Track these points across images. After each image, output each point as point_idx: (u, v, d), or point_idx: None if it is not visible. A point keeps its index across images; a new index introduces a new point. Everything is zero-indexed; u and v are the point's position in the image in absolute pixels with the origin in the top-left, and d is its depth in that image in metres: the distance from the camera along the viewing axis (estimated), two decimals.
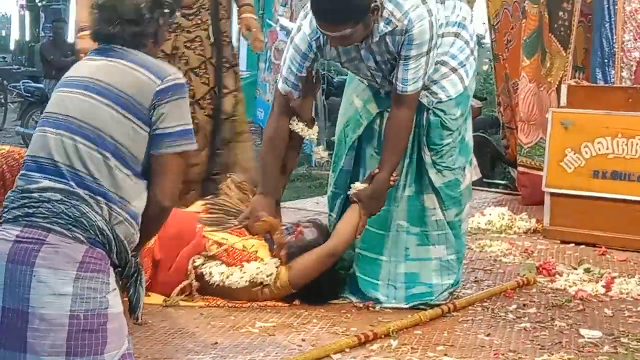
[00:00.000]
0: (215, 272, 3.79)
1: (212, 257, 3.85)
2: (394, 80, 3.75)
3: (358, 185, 3.88)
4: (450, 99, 3.87)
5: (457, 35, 3.90)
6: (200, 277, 3.82)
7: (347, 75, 4.10)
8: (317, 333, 3.53)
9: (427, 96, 3.84)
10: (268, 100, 11.20)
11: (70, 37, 12.70)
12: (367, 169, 3.99)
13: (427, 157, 3.90)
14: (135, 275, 2.85)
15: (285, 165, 4.02)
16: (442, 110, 3.86)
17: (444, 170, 3.91)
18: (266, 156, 3.97)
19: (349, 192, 3.93)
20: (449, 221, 3.96)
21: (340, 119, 4.14)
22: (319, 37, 3.70)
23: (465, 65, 3.91)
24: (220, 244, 3.86)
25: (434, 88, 3.85)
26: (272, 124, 3.94)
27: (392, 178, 3.83)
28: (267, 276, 3.81)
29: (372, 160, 3.99)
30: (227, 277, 3.79)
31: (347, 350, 3.33)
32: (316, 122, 4.00)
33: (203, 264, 3.83)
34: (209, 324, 3.58)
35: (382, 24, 3.62)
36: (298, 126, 3.90)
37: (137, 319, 2.88)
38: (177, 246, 3.84)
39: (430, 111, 3.87)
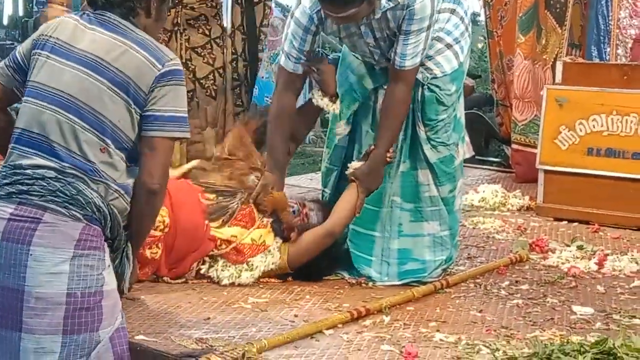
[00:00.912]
0: (224, 277, 3.76)
1: (217, 257, 3.80)
2: (392, 55, 3.73)
3: (354, 164, 3.88)
4: (445, 75, 3.85)
5: (452, 11, 3.88)
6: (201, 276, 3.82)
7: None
8: (310, 309, 3.54)
9: (422, 72, 3.82)
10: (262, 77, 11.15)
11: None
12: (362, 146, 3.99)
13: (422, 133, 3.89)
14: (123, 247, 2.85)
15: (293, 140, 4.00)
16: (437, 86, 3.85)
17: (438, 145, 3.91)
18: (273, 134, 3.93)
19: (345, 172, 3.92)
20: (443, 197, 3.96)
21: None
22: (319, 9, 3.67)
23: (460, 41, 3.89)
24: (229, 242, 3.80)
25: (429, 64, 3.84)
26: (276, 101, 3.92)
27: (388, 154, 3.83)
28: (273, 264, 3.81)
29: (368, 136, 3.99)
30: (237, 278, 3.76)
31: (340, 325, 3.33)
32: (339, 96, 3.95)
33: (209, 269, 3.79)
34: (202, 299, 3.58)
35: (384, 0, 3.59)
36: (323, 101, 3.87)
37: (122, 292, 2.88)
38: (186, 246, 3.76)
39: (426, 87, 3.86)
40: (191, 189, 3.83)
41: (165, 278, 3.76)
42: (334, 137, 4.10)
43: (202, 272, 3.79)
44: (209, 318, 3.35)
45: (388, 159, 3.84)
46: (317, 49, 3.86)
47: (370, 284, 3.94)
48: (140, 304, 3.45)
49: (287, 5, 11.08)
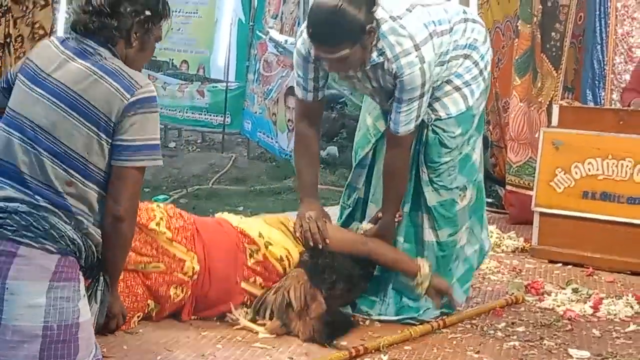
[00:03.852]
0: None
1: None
2: (387, 120, 3.75)
3: (364, 226, 3.93)
4: (450, 117, 3.84)
5: (466, 56, 3.85)
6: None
7: (332, 89, 4.10)
8: (307, 346, 3.53)
9: (427, 113, 3.82)
10: (256, 112, 11.20)
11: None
12: (375, 187, 4.00)
13: (424, 175, 3.88)
14: (96, 281, 2.85)
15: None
16: (441, 128, 3.84)
17: (440, 189, 3.89)
18: (299, 163, 3.98)
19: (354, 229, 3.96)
20: (441, 241, 3.95)
21: (356, 134, 4.16)
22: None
23: (470, 85, 3.87)
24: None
25: (435, 105, 3.83)
26: (297, 131, 3.95)
27: (397, 218, 3.88)
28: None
29: (378, 175, 3.99)
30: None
31: None
32: None
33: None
34: (200, 334, 3.56)
35: (375, 54, 3.60)
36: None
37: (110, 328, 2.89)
38: (217, 298, 3.72)
39: (430, 128, 3.85)
40: (228, 237, 3.75)
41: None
42: (350, 177, 4.14)
43: (230, 317, 3.73)
44: (207, 354, 3.35)
45: (397, 222, 3.89)
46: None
47: (367, 321, 3.93)
48: (139, 338, 3.43)
49: (282, 41, 11.16)
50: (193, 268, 3.59)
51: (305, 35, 3.66)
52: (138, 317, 3.51)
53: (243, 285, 3.73)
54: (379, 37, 3.57)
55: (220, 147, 11.25)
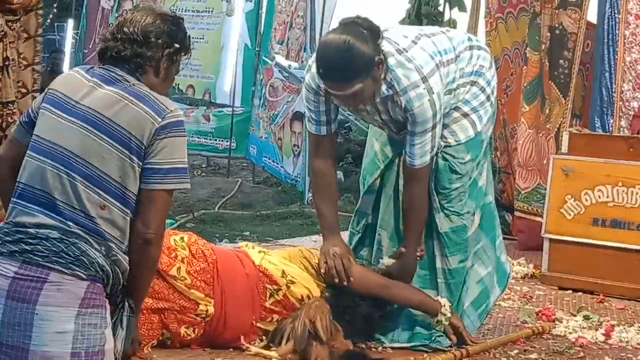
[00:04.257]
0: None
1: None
2: (403, 152, 3.76)
3: (386, 261, 3.90)
4: (460, 144, 3.86)
5: (473, 83, 3.87)
6: None
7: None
8: None
9: None
10: (261, 137, 11.24)
11: (66, 68, 12.66)
12: (385, 213, 3.99)
13: (435, 202, 3.88)
14: (121, 307, 2.85)
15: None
16: (450, 155, 3.85)
17: (451, 215, 3.90)
18: (319, 199, 3.95)
19: (377, 267, 3.93)
20: (452, 268, 3.94)
21: (364, 160, 4.16)
22: None
23: (478, 110, 3.89)
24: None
25: (445, 132, 3.83)
26: (313, 166, 3.94)
27: (418, 253, 3.87)
28: None
29: (387, 201, 3.99)
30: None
31: None
32: None
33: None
34: None
35: (384, 87, 3.60)
36: None
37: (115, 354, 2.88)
38: (230, 338, 3.69)
39: (440, 155, 3.86)
40: (248, 279, 3.70)
41: None
42: (358, 202, 4.13)
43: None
44: None
45: (419, 257, 3.88)
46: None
47: (380, 348, 3.92)
48: None
49: (289, 66, 11.21)
50: (207, 311, 3.57)
51: (314, 69, 3.66)
52: (152, 344, 3.50)
53: (259, 324, 3.72)
54: (387, 70, 3.58)
55: (225, 172, 11.27)
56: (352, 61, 3.45)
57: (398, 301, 3.88)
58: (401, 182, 3.93)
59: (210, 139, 11.42)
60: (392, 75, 3.59)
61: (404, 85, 3.59)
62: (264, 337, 3.72)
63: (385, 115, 3.75)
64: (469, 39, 4.00)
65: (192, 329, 3.58)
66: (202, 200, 9.28)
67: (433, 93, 3.60)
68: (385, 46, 3.57)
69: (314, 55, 3.68)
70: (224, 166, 11.50)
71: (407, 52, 3.63)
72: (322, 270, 3.79)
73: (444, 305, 3.83)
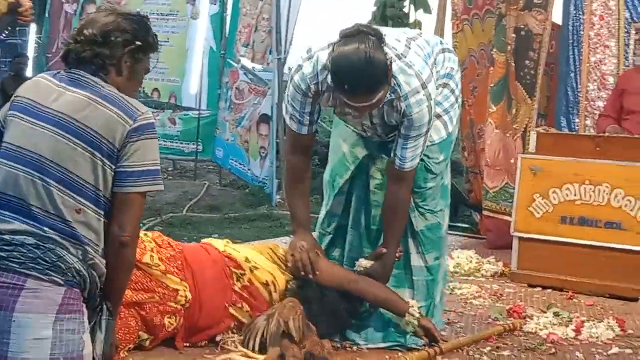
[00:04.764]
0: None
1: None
2: (392, 155, 3.77)
3: (363, 262, 3.92)
4: (434, 144, 3.90)
5: (444, 85, 3.92)
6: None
7: None
8: None
9: None
10: (228, 140, 11.22)
11: (30, 72, 12.54)
12: (357, 212, 4.02)
13: (411, 201, 3.92)
14: (99, 310, 2.85)
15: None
16: (425, 155, 3.88)
17: (426, 213, 3.96)
18: (291, 195, 3.98)
19: (354, 269, 3.94)
20: (429, 265, 3.99)
21: (329, 162, 4.16)
22: (317, 82, 3.67)
23: (449, 112, 3.95)
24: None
25: None
26: (288, 163, 3.97)
27: (397, 254, 3.90)
28: None
29: (358, 202, 4.02)
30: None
31: None
32: None
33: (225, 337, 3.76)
34: None
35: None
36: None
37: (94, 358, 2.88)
38: (207, 324, 3.73)
39: None
40: (215, 264, 3.77)
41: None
42: (327, 204, 4.13)
43: (217, 339, 3.74)
44: None
45: (397, 258, 3.91)
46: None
47: (355, 347, 3.95)
48: None
49: (253, 68, 11.21)
50: (186, 297, 3.61)
51: (306, 70, 3.67)
52: (128, 349, 3.51)
53: (231, 310, 3.75)
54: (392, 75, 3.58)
55: (192, 175, 11.24)
56: (375, 72, 3.43)
57: (365, 296, 3.91)
58: (372, 182, 3.97)
59: (177, 142, 11.38)
60: (395, 80, 3.59)
61: (406, 92, 3.61)
62: (235, 333, 3.74)
63: (377, 119, 3.77)
64: (441, 42, 4.06)
65: (174, 317, 3.60)
66: (170, 203, 9.25)
67: (431, 99, 3.64)
68: (387, 51, 3.56)
69: (307, 54, 3.68)
70: (190, 169, 11.48)
71: (405, 57, 3.65)
72: (289, 263, 3.83)
73: (412, 306, 3.87)
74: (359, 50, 3.41)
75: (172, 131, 11.37)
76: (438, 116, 3.90)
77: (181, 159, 11.68)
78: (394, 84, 3.60)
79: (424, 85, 3.62)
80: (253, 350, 3.59)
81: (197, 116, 11.33)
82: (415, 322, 3.85)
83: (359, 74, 3.42)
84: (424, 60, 3.70)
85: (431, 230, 3.97)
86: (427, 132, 3.70)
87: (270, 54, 10.10)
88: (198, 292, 3.66)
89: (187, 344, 3.72)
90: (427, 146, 3.88)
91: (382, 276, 3.90)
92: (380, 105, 3.61)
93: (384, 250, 3.87)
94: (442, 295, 4.20)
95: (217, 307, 3.72)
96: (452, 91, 3.97)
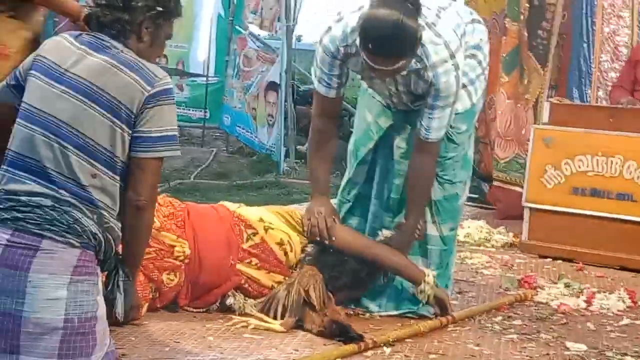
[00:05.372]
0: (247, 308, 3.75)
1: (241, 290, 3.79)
2: (417, 126, 3.75)
3: (386, 233, 3.93)
4: (457, 114, 3.86)
5: (472, 56, 3.90)
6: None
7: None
8: (311, 338, 3.55)
9: None
10: (235, 107, 11.20)
11: None
12: (379, 184, 4.03)
13: None
14: (115, 272, 2.88)
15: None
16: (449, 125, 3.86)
17: (445, 183, 3.94)
18: (314, 158, 3.96)
19: (377, 239, 3.95)
20: (444, 235, 4.00)
21: (354, 132, 4.16)
22: (347, 45, 3.65)
23: (475, 83, 3.93)
24: (253, 281, 3.78)
25: None
26: (315, 126, 3.93)
27: (418, 229, 3.89)
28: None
29: (383, 172, 4.02)
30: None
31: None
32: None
33: (234, 302, 3.76)
34: (204, 326, 3.57)
35: (413, 61, 3.59)
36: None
37: (120, 320, 2.93)
38: (211, 281, 3.73)
39: None
40: (222, 222, 3.77)
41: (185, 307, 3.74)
42: (349, 172, 4.14)
43: (227, 303, 3.75)
44: (214, 345, 3.36)
45: (417, 234, 3.90)
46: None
47: (368, 315, 3.96)
48: (145, 330, 3.44)
49: (259, 35, 11.15)
50: (184, 252, 3.61)
51: (335, 32, 3.66)
52: (147, 307, 3.53)
53: (238, 266, 3.74)
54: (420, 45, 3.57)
55: (199, 142, 11.23)
56: (403, 39, 3.43)
57: (382, 263, 3.90)
58: (396, 152, 3.96)
59: (184, 109, 11.37)
60: (422, 49, 3.57)
61: (434, 61, 3.59)
62: (246, 299, 3.75)
63: (403, 87, 3.75)
64: (471, 13, 4.04)
65: (173, 274, 3.61)
66: (178, 170, 9.27)
67: (459, 69, 3.62)
68: (420, 22, 3.54)
69: (337, 17, 3.66)
70: (197, 136, 11.47)
71: (435, 26, 3.62)
72: (305, 228, 3.83)
73: (428, 275, 3.87)
74: (392, 14, 3.40)
75: (180, 98, 11.35)
76: (464, 86, 3.87)
77: (189, 126, 11.67)
78: (422, 53, 3.57)
79: (452, 56, 3.60)
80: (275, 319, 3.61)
81: (204, 83, 11.32)
82: (430, 292, 3.85)
83: (386, 36, 3.41)
84: (453, 30, 3.67)
85: (448, 200, 3.97)
86: (454, 102, 3.68)
87: (278, 21, 10.06)
88: (198, 248, 3.65)
89: (200, 309, 3.74)
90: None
91: (401, 247, 3.90)
92: (405, 74, 3.61)
93: (404, 221, 3.87)
94: (452, 265, 4.20)
95: (221, 264, 3.71)
96: (480, 63, 3.94)
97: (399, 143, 3.96)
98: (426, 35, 3.57)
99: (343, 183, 4.20)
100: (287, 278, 3.77)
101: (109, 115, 2.76)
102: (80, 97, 2.76)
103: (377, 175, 4.05)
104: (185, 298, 3.70)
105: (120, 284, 2.88)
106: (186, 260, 3.63)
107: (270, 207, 4.07)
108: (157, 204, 3.54)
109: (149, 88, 2.79)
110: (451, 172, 3.95)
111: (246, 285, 3.77)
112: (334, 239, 3.82)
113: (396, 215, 3.98)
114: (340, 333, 3.54)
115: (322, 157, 3.94)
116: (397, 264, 3.90)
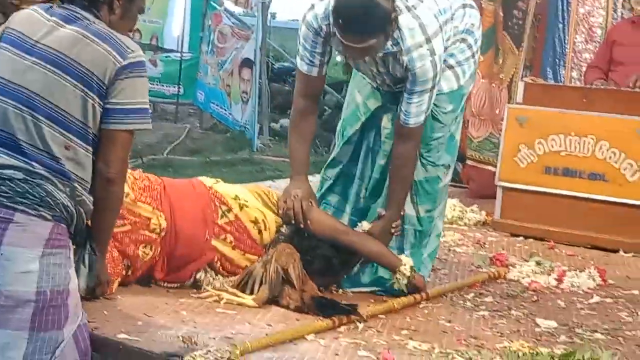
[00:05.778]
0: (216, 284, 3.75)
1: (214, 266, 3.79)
2: (398, 111, 3.76)
3: (365, 225, 3.93)
4: (442, 93, 3.87)
5: (462, 40, 3.91)
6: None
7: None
8: (285, 313, 3.55)
9: None
10: (209, 84, 11.16)
11: None
12: (364, 165, 4.04)
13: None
14: (83, 248, 2.89)
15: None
16: (434, 104, 3.85)
17: (428, 164, 3.95)
18: (294, 137, 3.94)
19: (356, 229, 3.94)
20: (420, 216, 4.01)
21: (343, 112, 4.17)
22: (329, 23, 3.64)
23: (463, 65, 3.93)
24: (227, 259, 3.77)
25: None
26: (296, 105, 3.92)
27: (395, 226, 3.90)
28: None
29: (368, 154, 4.03)
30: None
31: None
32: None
33: (206, 277, 3.76)
34: (178, 301, 3.57)
35: (389, 43, 3.59)
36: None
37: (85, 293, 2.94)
38: (186, 255, 3.70)
39: None
40: (198, 197, 3.76)
41: (160, 282, 3.73)
42: (334, 151, 4.15)
43: (199, 278, 3.75)
44: (187, 319, 3.34)
45: (394, 230, 3.90)
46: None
47: (340, 291, 3.97)
48: (118, 304, 3.42)
49: (234, 12, 11.11)
50: (160, 225, 3.59)
51: (318, 10, 3.66)
52: (118, 282, 3.52)
53: (213, 242, 3.73)
54: (396, 27, 3.57)
55: (173, 118, 11.21)
56: (373, 17, 3.44)
57: (357, 248, 3.89)
58: (383, 132, 3.97)
59: (157, 85, 11.33)
60: (399, 32, 3.58)
61: (408, 45, 3.59)
62: (217, 276, 3.76)
63: (383, 68, 3.75)
64: None
65: (149, 247, 3.59)
66: (151, 145, 9.26)
67: (435, 54, 3.61)
68: (396, 1, 3.55)
69: (334, 7, 3.62)
70: (171, 112, 11.46)
71: (415, 9, 3.62)
72: (280, 210, 3.82)
73: (405, 265, 3.85)
74: None
75: (153, 73, 11.30)
76: (450, 67, 3.89)
77: (162, 102, 11.64)
78: (398, 37, 3.58)
79: (428, 40, 3.60)
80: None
81: (178, 59, 11.28)
82: (406, 282, 3.85)
83: (356, 13, 3.43)
84: (434, 15, 3.67)
85: (429, 182, 3.98)
86: (432, 88, 3.68)
87: None
88: (174, 221, 3.63)
89: (174, 284, 3.74)
90: (436, 95, 3.83)
91: (380, 237, 3.89)
92: (382, 55, 3.61)
93: (384, 212, 3.88)
94: (433, 252, 4.20)
95: (196, 238, 3.69)
96: (470, 46, 3.95)
97: (385, 124, 3.97)
98: (404, 19, 3.57)
99: (328, 160, 4.20)
100: (261, 257, 3.78)
101: (80, 86, 2.75)
102: (51, 68, 2.75)
103: (362, 155, 4.06)
104: (161, 271, 3.69)
105: (86, 257, 2.88)
106: (162, 233, 3.61)
107: (248, 185, 4.06)
108: (132, 178, 3.54)
109: (120, 59, 2.78)
110: (435, 154, 3.96)
111: (218, 264, 3.77)
112: (308, 222, 3.81)
113: (375, 198, 3.99)
114: (331, 308, 3.55)
115: (301, 137, 3.93)
116: (373, 251, 3.89)
